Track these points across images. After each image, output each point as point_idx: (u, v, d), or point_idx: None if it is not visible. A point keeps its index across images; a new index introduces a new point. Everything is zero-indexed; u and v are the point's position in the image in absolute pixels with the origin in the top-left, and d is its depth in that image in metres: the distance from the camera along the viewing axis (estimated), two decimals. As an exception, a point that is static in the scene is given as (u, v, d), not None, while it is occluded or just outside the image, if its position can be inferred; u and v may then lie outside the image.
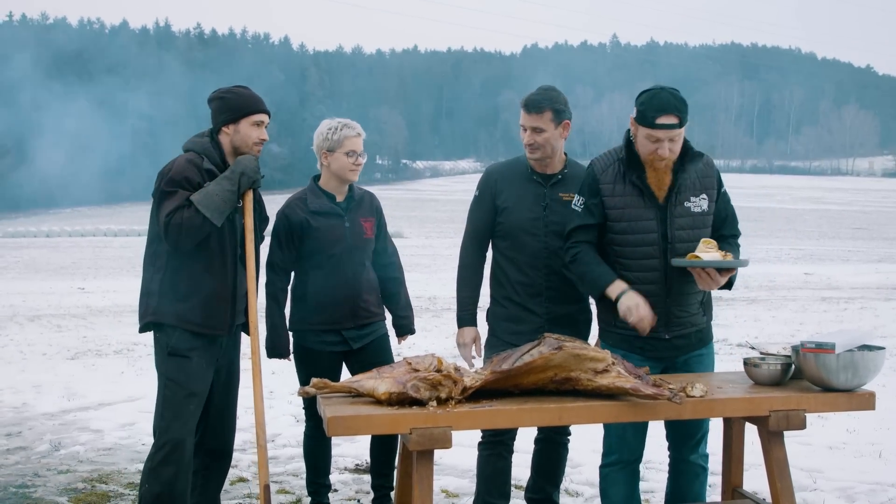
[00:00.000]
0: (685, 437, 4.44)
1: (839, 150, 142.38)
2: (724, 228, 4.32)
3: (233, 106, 4.41)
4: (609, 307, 4.21)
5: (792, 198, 77.67)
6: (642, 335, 4.09)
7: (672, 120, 4.02)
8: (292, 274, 5.00)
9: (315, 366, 4.80)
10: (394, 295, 5.15)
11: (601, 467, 4.45)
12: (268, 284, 4.93)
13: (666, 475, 4.66)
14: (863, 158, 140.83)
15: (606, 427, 4.34)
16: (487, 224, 4.69)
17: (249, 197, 4.35)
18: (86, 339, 13.58)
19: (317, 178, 5.02)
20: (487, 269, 4.78)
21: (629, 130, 4.22)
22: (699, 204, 4.21)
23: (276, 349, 4.91)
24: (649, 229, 4.16)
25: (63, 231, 52.11)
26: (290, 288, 5.00)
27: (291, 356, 4.97)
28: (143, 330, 4.40)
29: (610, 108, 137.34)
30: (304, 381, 4.85)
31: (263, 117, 4.44)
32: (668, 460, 4.59)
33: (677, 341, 4.25)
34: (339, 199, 4.96)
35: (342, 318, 4.89)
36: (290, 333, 4.97)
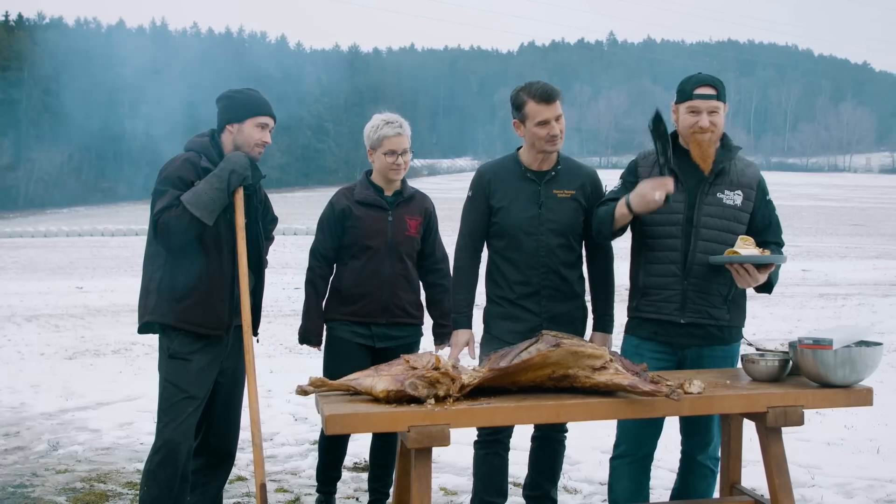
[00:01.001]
0: (694, 436, 4.46)
1: (836, 147, 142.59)
2: (767, 235, 4.36)
3: (239, 105, 4.40)
4: (631, 292, 4.38)
5: (789, 194, 77.66)
6: (666, 191, 4.03)
7: (710, 91, 4.17)
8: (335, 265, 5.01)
9: (343, 356, 4.78)
10: (438, 302, 5.10)
11: (611, 459, 4.49)
12: (308, 271, 4.97)
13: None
14: (860, 155, 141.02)
15: (619, 419, 4.35)
16: (482, 225, 4.67)
17: (240, 194, 4.32)
18: (84, 338, 13.58)
19: (369, 171, 5.03)
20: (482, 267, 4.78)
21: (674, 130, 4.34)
22: (732, 198, 4.28)
23: (306, 335, 4.92)
24: (676, 210, 4.23)
25: (60, 231, 52.10)
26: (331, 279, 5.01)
27: (322, 347, 4.96)
28: (142, 330, 4.39)
29: (607, 105, 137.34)
30: (330, 374, 4.77)
31: (268, 120, 4.43)
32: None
33: (693, 329, 4.26)
34: (387, 193, 4.96)
35: (373, 313, 4.86)
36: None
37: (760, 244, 4.29)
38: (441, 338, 5.11)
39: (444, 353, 4.91)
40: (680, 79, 4.38)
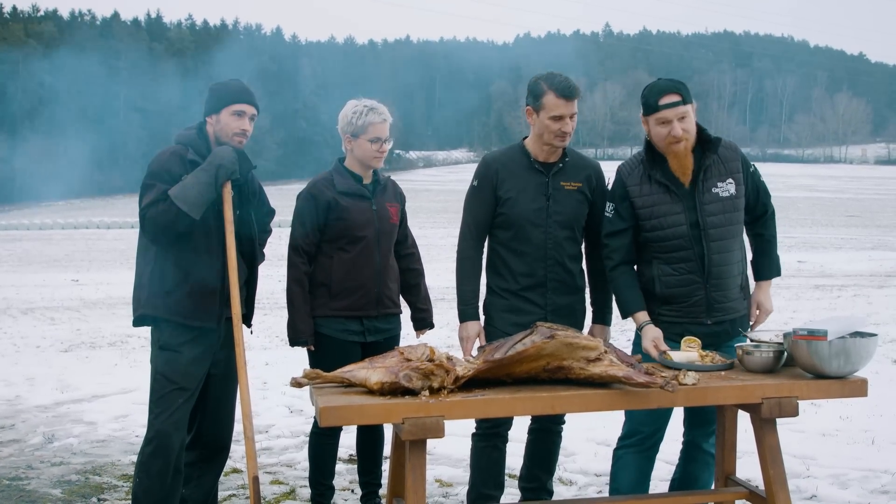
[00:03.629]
0: (700, 424, 4.47)
1: (832, 138, 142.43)
2: (758, 207, 4.40)
3: (216, 96, 4.38)
4: (646, 298, 4.38)
5: (785, 185, 77.67)
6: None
7: (674, 98, 4.14)
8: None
9: (332, 355, 4.66)
10: (414, 287, 5.07)
11: (616, 449, 4.50)
12: (291, 268, 4.78)
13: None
14: (856, 146, 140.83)
15: (627, 410, 4.35)
16: (488, 215, 4.61)
17: (228, 189, 4.30)
18: (79, 331, 13.56)
19: (342, 159, 4.92)
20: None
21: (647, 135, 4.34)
22: (727, 188, 4.28)
23: (300, 337, 4.77)
24: (679, 222, 4.24)
25: (56, 223, 51.98)
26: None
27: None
28: (136, 323, 4.39)
29: (603, 97, 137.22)
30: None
31: (244, 107, 4.37)
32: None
33: (717, 328, 4.30)
34: (366, 181, 4.86)
35: (366, 306, 4.78)
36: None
37: (753, 221, 4.37)
38: (420, 323, 5.10)
39: (424, 338, 4.91)
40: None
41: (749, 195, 4.36)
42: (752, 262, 4.51)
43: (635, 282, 4.39)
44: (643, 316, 4.31)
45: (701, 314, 4.27)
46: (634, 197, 4.31)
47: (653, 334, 4.22)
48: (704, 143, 4.27)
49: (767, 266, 4.49)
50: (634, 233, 4.36)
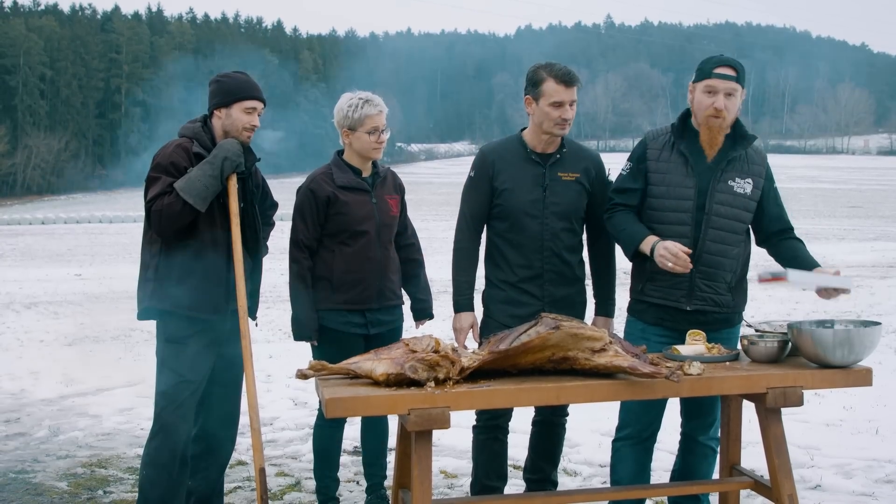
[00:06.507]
0: (696, 416, 4.47)
1: (834, 129, 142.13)
2: (783, 224, 4.36)
3: (227, 90, 4.39)
4: (636, 275, 4.35)
5: (787, 177, 77.49)
6: (683, 271, 4.05)
7: (729, 72, 4.14)
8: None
9: (335, 348, 4.66)
10: (414, 277, 5.07)
11: (613, 441, 4.50)
12: (293, 263, 4.79)
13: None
14: (858, 137, 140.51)
15: (622, 401, 4.34)
16: (484, 206, 4.63)
17: (233, 181, 4.31)
18: (83, 325, 13.57)
19: (340, 152, 4.92)
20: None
21: (687, 109, 4.32)
22: (743, 186, 4.26)
23: (304, 332, 4.77)
24: (686, 196, 4.22)
25: (58, 218, 51.96)
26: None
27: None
28: (141, 316, 4.40)
29: (605, 89, 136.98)
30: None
31: (256, 104, 4.39)
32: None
33: (698, 316, 4.26)
34: (365, 174, 4.86)
35: (368, 299, 4.78)
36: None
37: (777, 233, 4.32)
38: (420, 313, 5.10)
39: (403, 326, 4.92)
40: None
41: (770, 209, 4.33)
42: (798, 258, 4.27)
43: (636, 219, 4.30)
44: (654, 237, 4.15)
45: (681, 297, 4.24)
46: (651, 160, 4.30)
47: (672, 243, 4.06)
48: (738, 137, 4.26)
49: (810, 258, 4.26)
50: (641, 197, 4.33)
